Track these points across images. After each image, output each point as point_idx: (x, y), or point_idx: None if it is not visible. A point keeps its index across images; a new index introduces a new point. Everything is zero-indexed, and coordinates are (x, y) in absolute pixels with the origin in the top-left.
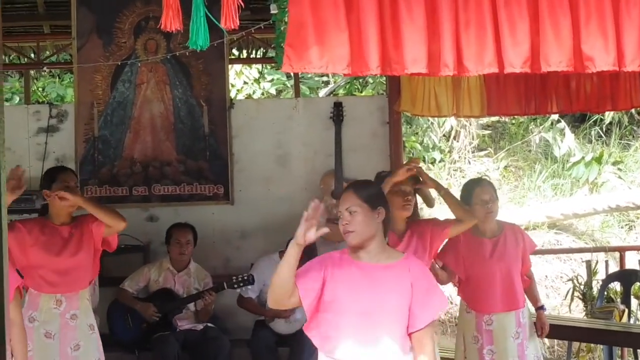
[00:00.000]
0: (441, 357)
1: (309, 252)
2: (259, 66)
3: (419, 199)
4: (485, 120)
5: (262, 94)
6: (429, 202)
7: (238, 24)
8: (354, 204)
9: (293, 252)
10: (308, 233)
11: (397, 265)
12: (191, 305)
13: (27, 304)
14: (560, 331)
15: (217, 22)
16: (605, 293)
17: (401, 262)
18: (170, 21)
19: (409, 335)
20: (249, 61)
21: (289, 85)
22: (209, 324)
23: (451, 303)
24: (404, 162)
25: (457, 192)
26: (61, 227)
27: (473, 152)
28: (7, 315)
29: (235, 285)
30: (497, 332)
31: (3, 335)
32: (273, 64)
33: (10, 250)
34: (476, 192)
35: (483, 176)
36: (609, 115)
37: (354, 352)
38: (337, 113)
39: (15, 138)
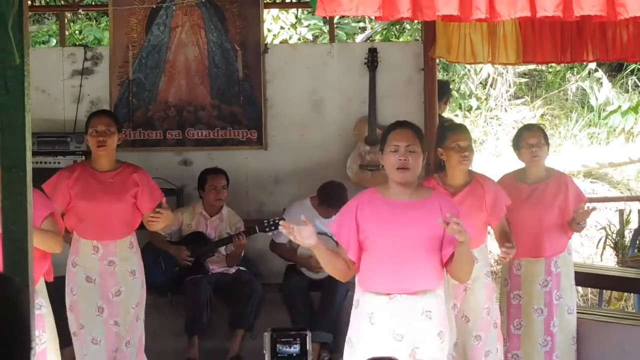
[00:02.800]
0: None
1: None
2: (296, 11)
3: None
4: (522, 68)
5: (299, 39)
6: None
7: None
8: (414, 143)
9: (317, 252)
10: (305, 239)
11: (427, 201)
12: (223, 249)
13: (71, 248)
14: (592, 279)
15: None
16: (637, 242)
17: (431, 198)
18: None
19: (445, 265)
20: (283, 5)
21: (325, 30)
22: (242, 268)
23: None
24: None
25: (493, 141)
26: (102, 173)
27: (510, 100)
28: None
29: (267, 229)
30: (525, 277)
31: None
32: (309, 9)
33: (54, 193)
34: (524, 135)
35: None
36: None
37: (389, 285)
38: (372, 59)
39: (50, 80)
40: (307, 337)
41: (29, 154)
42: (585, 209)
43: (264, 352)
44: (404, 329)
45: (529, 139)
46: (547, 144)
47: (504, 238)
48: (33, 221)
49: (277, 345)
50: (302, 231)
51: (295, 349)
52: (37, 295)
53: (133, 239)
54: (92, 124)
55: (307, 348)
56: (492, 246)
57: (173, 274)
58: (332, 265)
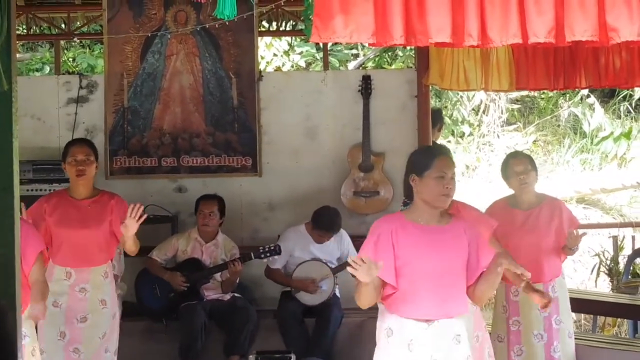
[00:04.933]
0: None
1: None
2: (289, 38)
3: None
4: (514, 94)
5: (292, 66)
6: None
7: None
8: (453, 170)
9: (366, 286)
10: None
11: (454, 226)
12: (218, 276)
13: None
14: (586, 305)
15: None
16: (631, 268)
17: (455, 223)
18: None
19: (467, 288)
20: (278, 33)
21: (318, 57)
22: (236, 294)
23: None
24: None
25: (485, 167)
26: (79, 200)
27: (502, 126)
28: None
29: (262, 256)
30: (523, 303)
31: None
32: (302, 36)
33: (32, 221)
34: (511, 163)
35: (513, 150)
36: (638, 91)
37: (430, 311)
38: (366, 86)
39: (45, 108)
40: (293, 359)
41: (16, 178)
42: (578, 233)
43: None
44: (441, 354)
45: (516, 166)
46: (535, 169)
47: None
48: (26, 258)
49: None
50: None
51: None
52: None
53: (108, 269)
54: (71, 153)
55: None
56: None
57: (168, 300)
58: (371, 296)
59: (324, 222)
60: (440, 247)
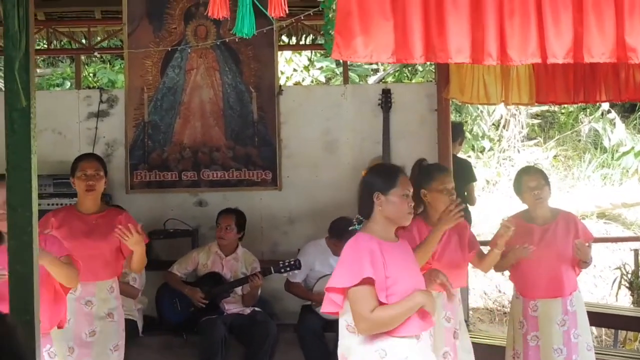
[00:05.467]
0: (489, 344)
1: None
2: (309, 53)
3: None
4: (534, 109)
5: (312, 81)
6: (472, 201)
7: (286, 11)
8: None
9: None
10: None
11: (402, 241)
12: (238, 290)
13: None
14: (607, 319)
15: (264, 10)
16: None
17: (402, 239)
18: (218, 8)
19: None
20: (298, 48)
21: (337, 72)
22: (257, 309)
23: (499, 292)
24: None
25: (506, 182)
26: (87, 215)
27: (522, 141)
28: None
29: (282, 270)
30: (542, 318)
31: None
32: (322, 51)
33: (46, 234)
34: (524, 179)
35: (533, 165)
36: None
37: (418, 327)
38: (386, 100)
39: (66, 123)
40: None
41: (34, 194)
42: (585, 244)
43: None
44: None
45: (529, 182)
46: (548, 184)
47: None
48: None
49: None
50: None
51: None
52: (49, 341)
53: (115, 284)
54: (80, 168)
55: None
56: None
57: (188, 314)
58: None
59: (340, 232)
60: (410, 262)
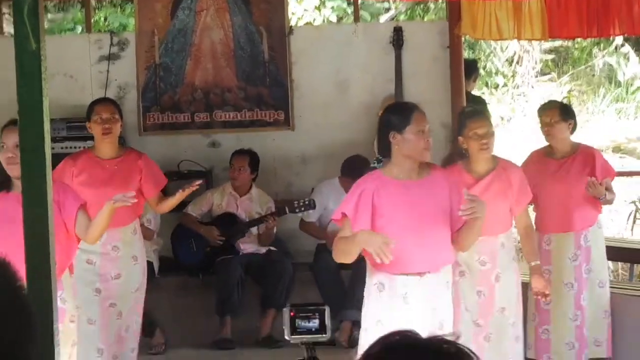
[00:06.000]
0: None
1: None
2: None
3: None
4: (547, 45)
5: (323, 21)
6: None
7: None
8: (428, 125)
9: (352, 242)
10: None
11: (432, 178)
12: (254, 230)
13: None
14: (622, 254)
15: None
16: None
17: (433, 175)
18: None
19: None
20: None
21: (349, 12)
22: (272, 248)
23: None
24: None
25: (520, 118)
26: (106, 160)
27: (536, 76)
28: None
29: (297, 210)
30: (554, 252)
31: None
32: None
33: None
34: (540, 114)
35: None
36: None
37: (420, 264)
38: (397, 38)
39: (77, 67)
40: (326, 311)
41: (47, 137)
42: (595, 181)
43: (283, 327)
44: (434, 304)
45: (543, 117)
46: (565, 119)
47: (526, 242)
48: (67, 213)
49: (297, 320)
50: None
51: (314, 323)
52: (61, 287)
53: (137, 224)
54: (96, 112)
55: (326, 323)
56: None
57: (204, 255)
58: (352, 253)
59: (353, 169)
60: (423, 200)
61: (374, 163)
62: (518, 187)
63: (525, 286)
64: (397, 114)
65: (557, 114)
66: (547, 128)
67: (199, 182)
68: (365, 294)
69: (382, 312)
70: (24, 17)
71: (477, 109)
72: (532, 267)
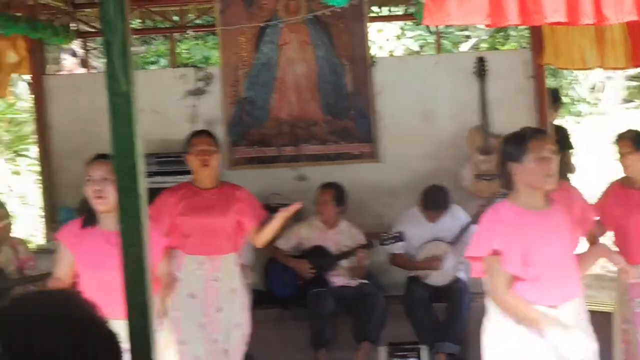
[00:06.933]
0: (597, 311)
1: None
2: (401, 23)
3: None
4: (631, 71)
5: (404, 50)
6: (571, 169)
7: None
8: (551, 149)
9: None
10: None
11: (556, 209)
12: (344, 262)
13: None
14: None
15: None
16: None
17: (556, 206)
18: None
19: None
20: (389, 18)
21: (430, 41)
22: (364, 281)
23: None
24: None
25: (604, 146)
26: (206, 190)
27: (620, 104)
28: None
29: (386, 242)
30: None
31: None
32: (414, 20)
33: (157, 214)
34: (616, 143)
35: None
36: None
37: (556, 295)
38: (480, 68)
39: (162, 101)
40: (422, 350)
41: (141, 177)
42: None
43: None
44: (570, 335)
45: (618, 147)
46: (639, 150)
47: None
48: (153, 258)
49: None
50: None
51: None
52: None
53: (237, 257)
54: (194, 144)
55: None
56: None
57: (296, 288)
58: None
59: (432, 201)
60: (555, 231)
61: (499, 197)
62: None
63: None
64: (513, 143)
65: (630, 144)
66: (621, 158)
67: (299, 204)
68: (496, 326)
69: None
70: (114, 58)
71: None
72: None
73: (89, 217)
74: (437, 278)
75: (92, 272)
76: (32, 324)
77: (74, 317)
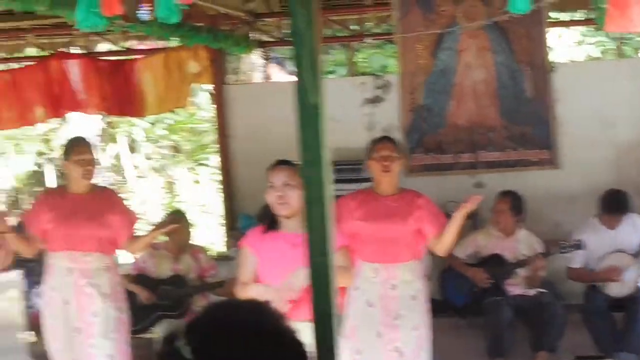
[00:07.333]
0: None
1: None
2: (582, 29)
3: None
4: None
5: (585, 57)
6: None
7: None
8: None
9: None
10: None
11: None
12: (521, 271)
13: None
14: None
15: None
16: None
17: None
18: None
19: None
20: (568, 23)
21: (611, 46)
22: (541, 290)
23: None
24: None
25: None
26: (386, 197)
27: None
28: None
29: (565, 251)
30: None
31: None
32: (594, 25)
33: (339, 219)
34: None
35: None
36: None
37: None
38: None
39: (341, 109)
40: None
41: (327, 189)
42: None
43: None
44: None
45: None
46: None
47: None
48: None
49: None
50: None
51: None
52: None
53: (418, 265)
54: (376, 150)
55: None
56: None
57: (472, 296)
58: None
59: (610, 203)
60: None
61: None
62: None
63: None
64: None
65: None
66: None
67: (477, 198)
68: None
69: None
70: (303, 70)
71: None
72: None
73: (271, 223)
74: (616, 289)
75: (276, 276)
76: (223, 332)
77: (264, 327)
